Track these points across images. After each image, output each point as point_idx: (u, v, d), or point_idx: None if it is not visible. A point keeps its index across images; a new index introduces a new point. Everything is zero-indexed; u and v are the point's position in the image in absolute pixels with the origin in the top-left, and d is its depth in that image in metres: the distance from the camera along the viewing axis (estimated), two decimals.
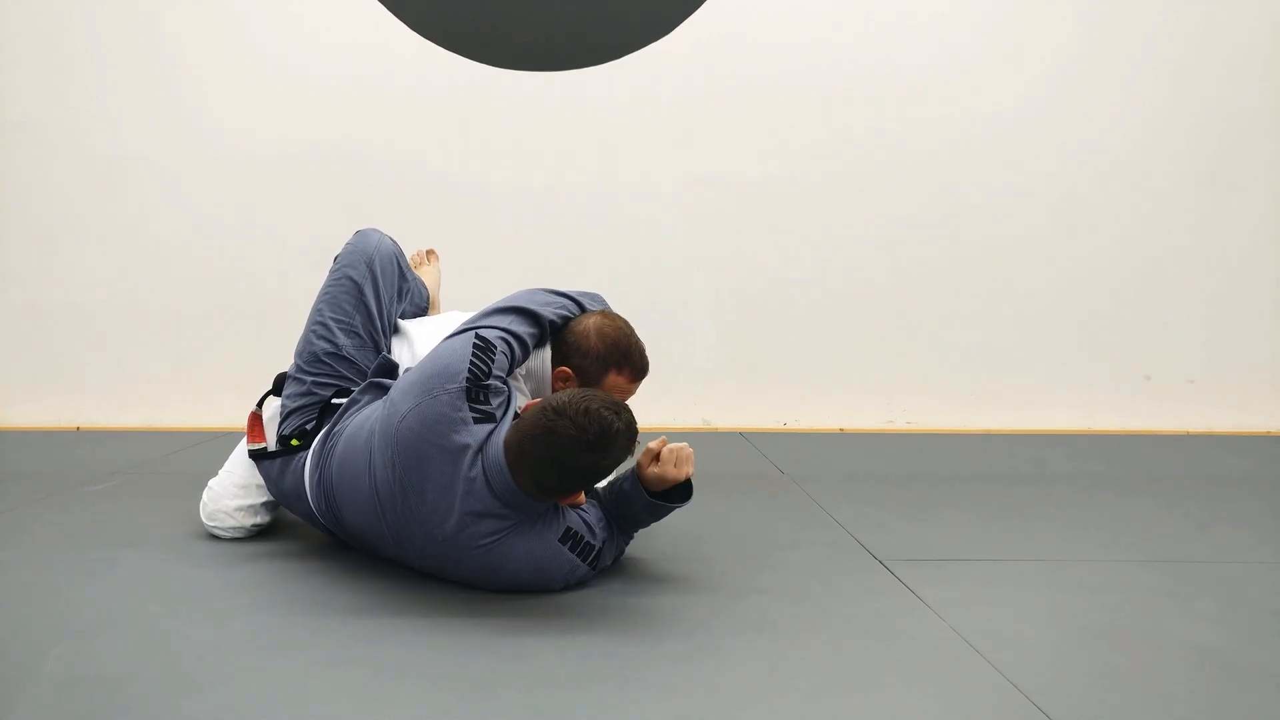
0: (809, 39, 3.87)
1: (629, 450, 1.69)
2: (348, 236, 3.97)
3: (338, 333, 2.05)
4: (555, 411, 1.63)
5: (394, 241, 2.22)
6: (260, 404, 2.12)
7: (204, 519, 2.12)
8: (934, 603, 1.75)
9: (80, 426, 3.73)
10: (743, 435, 3.70)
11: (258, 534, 2.14)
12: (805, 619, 1.66)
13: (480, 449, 1.69)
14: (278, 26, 3.80)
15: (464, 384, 1.72)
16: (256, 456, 2.06)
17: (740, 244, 3.91)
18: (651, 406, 3.84)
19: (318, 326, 2.07)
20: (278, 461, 2.00)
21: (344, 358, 2.04)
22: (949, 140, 3.90)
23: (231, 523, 2.10)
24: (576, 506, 1.79)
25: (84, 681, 1.37)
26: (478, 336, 1.80)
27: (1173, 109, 3.94)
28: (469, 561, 1.72)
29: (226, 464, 2.16)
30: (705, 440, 3.53)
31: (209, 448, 3.29)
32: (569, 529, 1.75)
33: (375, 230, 2.21)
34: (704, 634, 1.58)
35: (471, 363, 1.75)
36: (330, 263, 2.23)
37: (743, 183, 3.89)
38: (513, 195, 3.85)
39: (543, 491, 1.67)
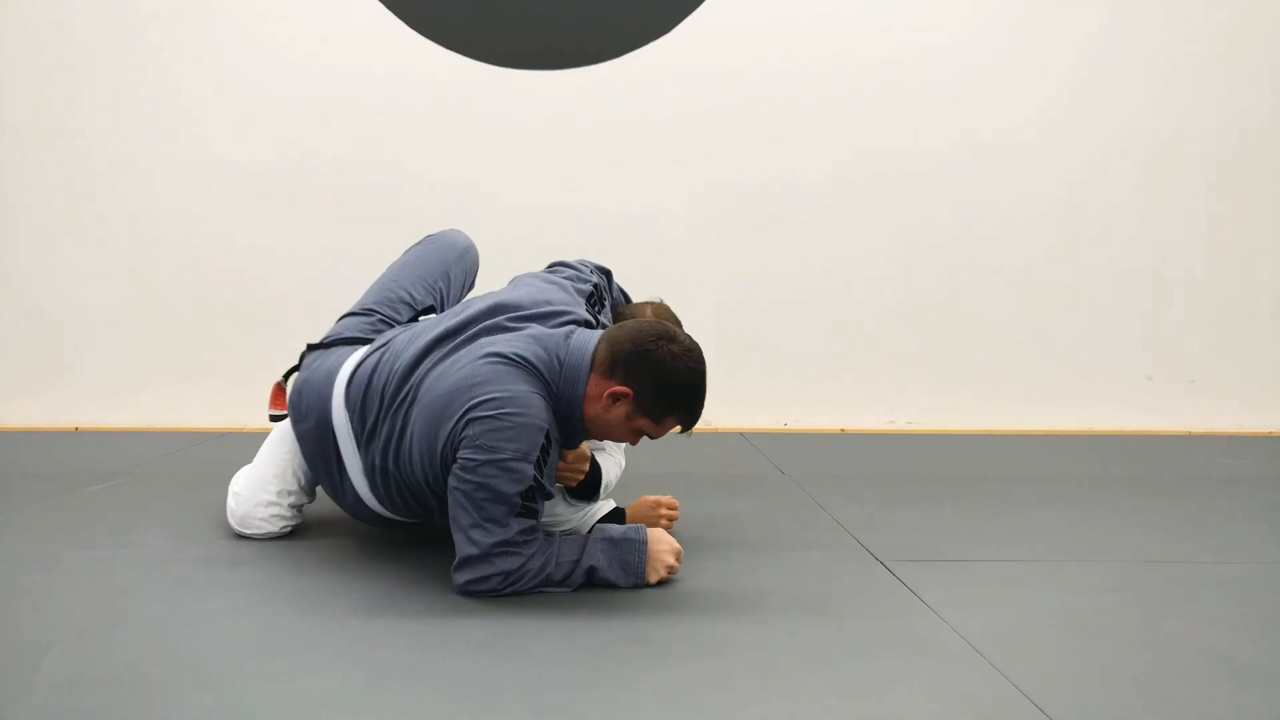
0: (812, 50, 3.87)
1: (703, 377, 1.77)
2: (347, 238, 3.99)
3: (420, 290, 2.14)
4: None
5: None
6: (286, 376, 2.13)
7: (234, 524, 2.11)
8: (934, 603, 1.75)
9: (79, 426, 3.73)
10: (743, 435, 3.69)
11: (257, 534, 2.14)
12: (806, 619, 1.66)
13: (580, 321, 1.86)
14: (275, 32, 3.80)
15: (591, 287, 2.02)
16: (278, 418, 2.14)
17: (741, 244, 3.91)
18: None
19: (401, 278, 2.17)
20: (315, 354, 2.05)
21: (415, 310, 2.15)
22: (951, 147, 3.90)
23: (266, 528, 2.10)
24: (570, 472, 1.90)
25: (84, 681, 1.36)
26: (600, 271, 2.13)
27: (1173, 113, 3.94)
28: (468, 371, 1.72)
29: (252, 473, 2.14)
30: (705, 440, 3.52)
31: (209, 448, 3.29)
32: (551, 445, 1.72)
33: (467, 235, 2.33)
34: (704, 634, 1.58)
35: (594, 283, 2.06)
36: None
37: (744, 185, 3.89)
38: (511, 196, 3.85)
39: (612, 365, 1.72)
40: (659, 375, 1.71)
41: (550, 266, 2.14)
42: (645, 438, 1.83)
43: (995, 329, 3.96)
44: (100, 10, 3.76)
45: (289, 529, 2.13)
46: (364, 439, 1.88)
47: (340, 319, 2.16)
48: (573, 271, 2.08)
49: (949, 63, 3.90)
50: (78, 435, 3.60)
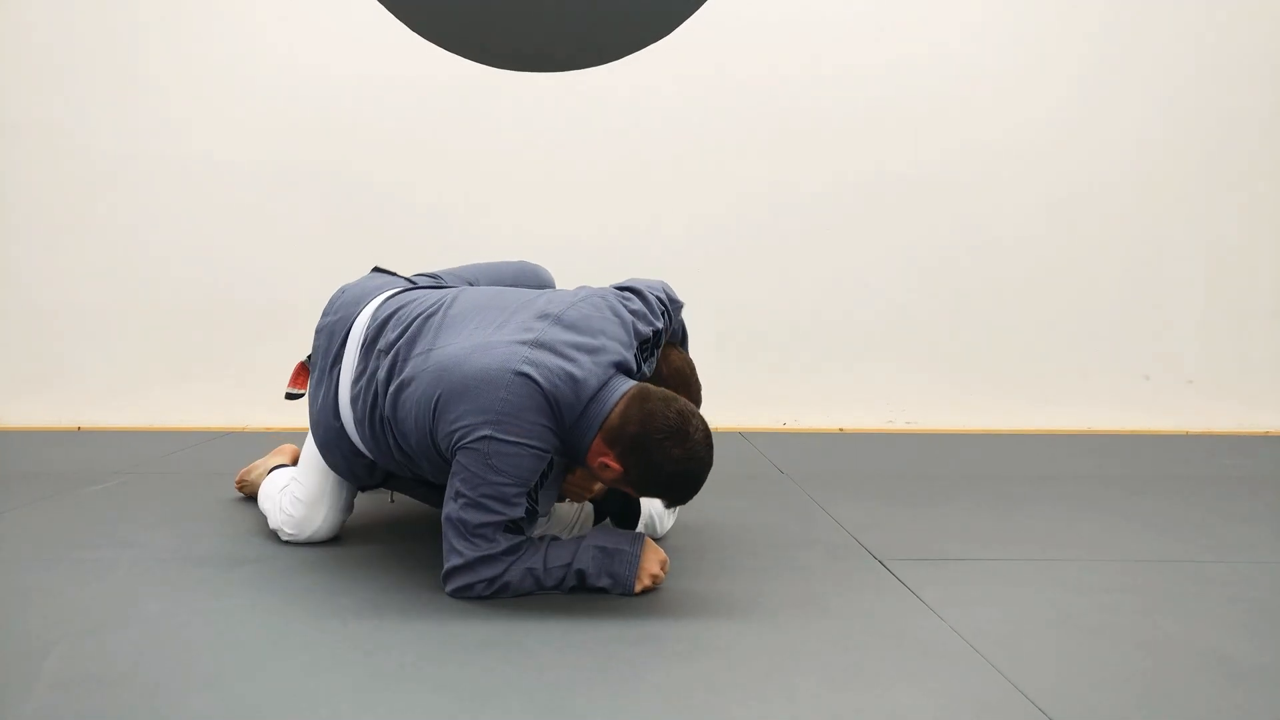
0: (813, 49, 3.87)
1: (696, 482, 1.73)
2: (347, 238, 4.01)
3: (486, 283, 2.19)
4: (692, 412, 1.72)
5: None
6: (309, 358, 2.13)
7: (290, 530, 2.07)
8: (934, 603, 1.75)
9: (81, 426, 3.73)
10: (743, 435, 3.70)
11: (255, 536, 2.14)
12: (805, 619, 1.66)
13: (623, 366, 1.79)
14: (278, 31, 3.80)
15: (651, 332, 1.90)
16: (294, 397, 2.15)
17: (741, 245, 3.91)
18: None
19: (475, 273, 2.23)
20: (374, 274, 2.11)
21: None
22: (951, 151, 3.90)
23: (326, 534, 2.08)
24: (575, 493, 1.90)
25: (84, 681, 1.37)
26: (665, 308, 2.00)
27: (1173, 114, 3.94)
28: (483, 355, 1.72)
29: (310, 480, 2.07)
30: None
31: (209, 448, 3.29)
32: (552, 469, 1.73)
33: (550, 274, 2.35)
34: (704, 633, 1.58)
35: (657, 328, 1.93)
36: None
37: (745, 188, 3.89)
38: (511, 197, 3.85)
39: (615, 438, 1.69)
40: (650, 471, 1.69)
41: (624, 290, 1.98)
42: None
43: (995, 329, 3.96)
44: (101, 12, 3.76)
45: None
46: (370, 347, 1.90)
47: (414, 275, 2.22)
48: (642, 308, 1.93)
49: (949, 68, 3.90)
50: (79, 435, 3.60)
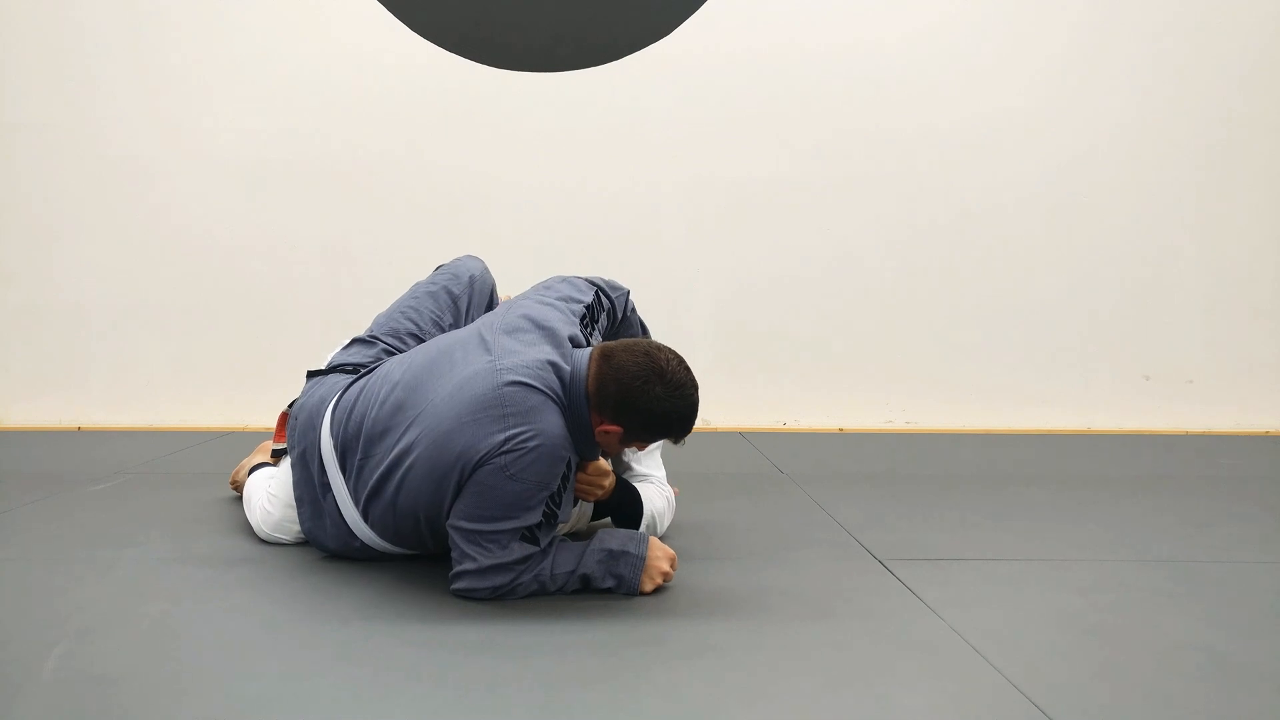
0: (809, 40, 3.87)
1: (691, 409, 1.76)
2: (347, 238, 4.01)
3: (427, 322, 2.15)
4: (658, 348, 1.77)
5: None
6: (291, 405, 2.12)
7: (267, 529, 2.08)
8: (934, 603, 1.75)
9: (81, 426, 3.73)
10: (743, 435, 3.70)
11: (254, 536, 2.13)
12: (805, 619, 1.66)
13: (574, 341, 1.84)
14: (279, 29, 3.80)
15: (584, 308, 1.97)
16: (280, 454, 2.12)
17: (740, 244, 3.91)
18: None
19: (410, 310, 2.18)
20: (313, 381, 2.05)
21: (423, 341, 2.13)
22: (949, 142, 3.90)
23: (298, 532, 2.07)
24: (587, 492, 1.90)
25: (84, 681, 1.37)
26: (600, 290, 2.07)
27: (1172, 109, 3.94)
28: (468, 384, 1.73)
29: (270, 488, 2.10)
30: (705, 440, 3.53)
31: (209, 448, 3.29)
32: (570, 471, 1.74)
33: (480, 260, 2.32)
34: (704, 633, 1.58)
35: (595, 297, 2.02)
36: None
37: (742, 184, 3.89)
38: (512, 198, 3.85)
39: (600, 404, 1.73)
40: (646, 418, 1.74)
41: (544, 284, 2.08)
42: None
43: (994, 329, 3.96)
44: (104, 11, 3.75)
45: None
46: (353, 466, 1.86)
47: (347, 345, 2.15)
48: (565, 290, 2.03)
49: (951, 64, 3.89)
50: (80, 435, 3.60)
